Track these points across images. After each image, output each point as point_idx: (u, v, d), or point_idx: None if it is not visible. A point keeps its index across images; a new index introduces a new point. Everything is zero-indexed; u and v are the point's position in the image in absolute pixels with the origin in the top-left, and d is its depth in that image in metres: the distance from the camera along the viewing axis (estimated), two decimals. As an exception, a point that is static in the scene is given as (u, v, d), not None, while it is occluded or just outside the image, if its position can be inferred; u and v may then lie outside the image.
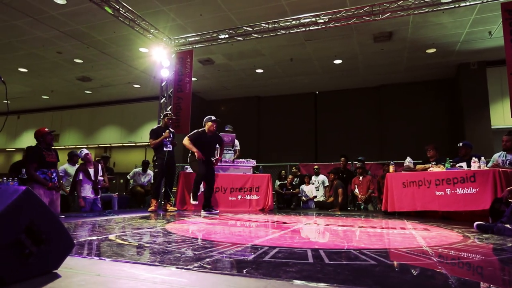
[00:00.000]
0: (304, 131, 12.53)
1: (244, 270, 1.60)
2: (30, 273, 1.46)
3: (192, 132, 5.25)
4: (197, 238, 2.65)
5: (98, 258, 1.87)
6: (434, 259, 1.89)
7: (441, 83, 11.17)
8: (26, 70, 10.81)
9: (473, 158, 4.37)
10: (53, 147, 4.69)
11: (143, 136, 13.20)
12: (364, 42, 8.90)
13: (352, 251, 2.12)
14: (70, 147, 13.42)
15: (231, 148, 6.56)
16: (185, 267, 1.65)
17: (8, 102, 13.94)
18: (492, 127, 9.72)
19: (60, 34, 8.58)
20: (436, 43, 8.94)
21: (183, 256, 1.94)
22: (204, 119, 5.35)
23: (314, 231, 3.30)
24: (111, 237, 2.60)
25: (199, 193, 5.25)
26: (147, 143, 13.42)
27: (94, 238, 2.57)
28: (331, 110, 12.44)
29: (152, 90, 12.44)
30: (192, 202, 4.83)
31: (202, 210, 5.17)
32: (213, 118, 5.28)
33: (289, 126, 12.63)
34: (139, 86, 12.21)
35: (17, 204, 1.41)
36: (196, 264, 1.71)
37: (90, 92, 12.89)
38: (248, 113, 13.09)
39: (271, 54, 9.67)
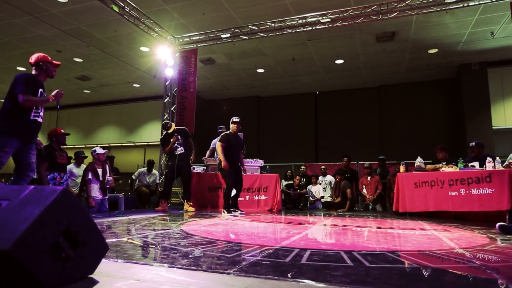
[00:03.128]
0: (304, 131, 12.49)
1: (289, 274, 1.53)
2: (68, 278, 1.38)
3: (222, 136, 5.32)
4: (221, 240, 2.58)
5: (128, 261, 1.80)
6: (477, 262, 1.84)
7: (441, 83, 11.19)
8: (24, 69, 10.65)
9: (488, 158, 4.35)
10: (63, 149, 4.65)
11: (143, 136, 13.08)
12: (366, 42, 8.88)
13: (386, 253, 2.07)
14: (68, 147, 13.22)
15: None
16: (225, 272, 1.58)
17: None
18: (493, 127, 9.75)
19: (60, 32, 8.46)
20: (438, 44, 8.95)
21: (216, 259, 1.87)
22: (231, 120, 5.49)
23: (334, 232, 3.24)
24: (131, 239, 2.52)
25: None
26: (146, 143, 13.39)
27: (114, 240, 2.48)
28: (331, 110, 12.41)
29: (152, 90, 12.34)
30: (226, 215, 4.74)
31: (224, 210, 5.10)
32: (235, 119, 5.42)
33: (289, 126, 12.58)
34: (139, 85, 12.10)
35: (56, 205, 1.33)
36: (235, 268, 1.64)
37: (89, 91, 12.74)
38: (248, 113, 13.00)
39: (273, 53, 9.62)
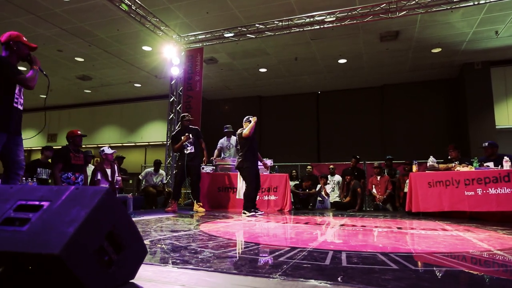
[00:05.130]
0: (306, 131, 12.42)
1: (339, 278, 1.47)
2: (111, 283, 1.30)
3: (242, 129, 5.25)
4: (248, 242, 2.52)
5: (163, 265, 1.72)
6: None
7: (444, 83, 11.17)
8: (25, 69, 10.50)
9: (505, 157, 4.31)
10: (81, 150, 4.62)
11: (143, 136, 12.96)
12: (370, 41, 8.84)
13: (424, 255, 2.01)
14: (67, 147, 13.07)
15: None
16: (270, 276, 1.51)
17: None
18: (497, 127, 9.74)
19: (62, 31, 8.36)
20: (442, 43, 8.92)
21: (253, 262, 1.80)
22: (244, 120, 5.36)
23: (358, 233, 3.16)
24: (154, 240, 2.44)
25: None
26: (147, 143, 13.27)
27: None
28: (333, 110, 12.35)
29: (154, 90, 12.24)
30: (247, 216, 4.70)
31: (244, 211, 4.99)
32: (250, 118, 5.35)
33: (291, 126, 12.51)
34: (140, 85, 11.98)
35: (101, 207, 1.26)
36: (278, 272, 1.58)
37: (89, 91, 12.60)
38: (250, 113, 12.77)
39: (275, 53, 9.56)
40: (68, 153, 4.40)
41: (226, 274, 1.56)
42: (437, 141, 10.32)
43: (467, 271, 1.65)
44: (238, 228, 3.40)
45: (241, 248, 2.20)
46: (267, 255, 1.98)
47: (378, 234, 2.99)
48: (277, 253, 2.03)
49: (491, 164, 4.64)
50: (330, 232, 3.11)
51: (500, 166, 4.50)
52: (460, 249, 2.25)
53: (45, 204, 1.29)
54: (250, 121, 5.20)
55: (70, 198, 1.29)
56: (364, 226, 3.60)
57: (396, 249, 2.23)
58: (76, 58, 9.87)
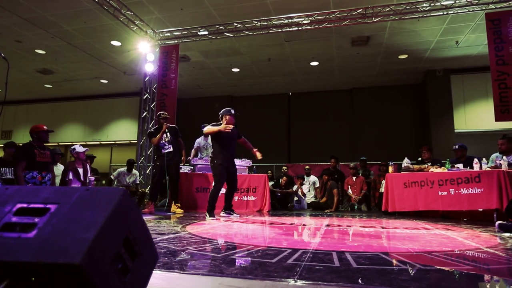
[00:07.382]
0: (276, 131, 12.48)
1: (359, 280, 1.45)
2: (127, 294, 1.19)
3: (210, 124, 4.78)
4: (245, 244, 2.44)
5: (168, 271, 1.61)
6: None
7: (409, 88, 11.67)
8: None
9: (475, 159, 4.56)
10: (47, 147, 4.24)
11: (110, 135, 12.40)
12: (342, 45, 9.05)
13: (425, 254, 2.05)
14: (24, 145, 12.21)
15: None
16: (287, 280, 1.46)
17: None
18: (455, 131, 10.34)
19: (22, 21, 7.81)
20: (408, 50, 9.33)
21: (263, 265, 1.74)
22: (221, 111, 4.90)
23: (348, 233, 3.16)
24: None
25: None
26: (113, 142, 12.70)
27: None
28: (304, 111, 12.51)
29: (121, 86, 11.75)
30: (209, 219, 4.30)
31: (221, 212, 4.81)
32: (232, 111, 4.84)
33: (262, 127, 12.49)
34: (106, 81, 11.45)
35: (119, 210, 1.14)
36: (296, 275, 1.52)
37: (50, 86, 11.85)
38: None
39: (249, 53, 9.53)
40: (33, 149, 4.04)
41: (241, 279, 1.48)
42: (405, 144, 10.76)
43: (473, 270, 1.70)
44: (227, 229, 3.31)
45: (242, 251, 2.13)
46: (272, 257, 1.92)
47: (367, 234, 3.03)
48: (281, 255, 1.98)
49: (460, 166, 4.90)
50: (321, 233, 3.11)
51: (469, 167, 4.77)
52: (452, 247, 2.32)
53: (52, 207, 1.15)
54: (230, 114, 4.81)
55: (82, 200, 1.16)
56: (350, 226, 3.65)
57: (394, 249, 2.26)
58: (36, 50, 9.25)
